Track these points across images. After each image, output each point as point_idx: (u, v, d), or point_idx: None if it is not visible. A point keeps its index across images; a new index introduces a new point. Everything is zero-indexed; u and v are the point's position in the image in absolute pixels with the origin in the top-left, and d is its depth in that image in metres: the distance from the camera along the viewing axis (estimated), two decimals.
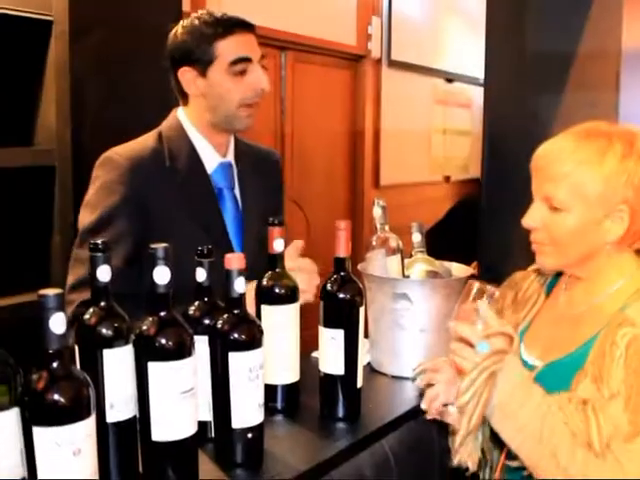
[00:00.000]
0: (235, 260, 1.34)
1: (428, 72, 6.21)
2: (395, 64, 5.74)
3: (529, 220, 1.59)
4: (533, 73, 2.45)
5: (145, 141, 1.99)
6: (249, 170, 2.11)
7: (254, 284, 1.61)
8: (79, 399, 1.08)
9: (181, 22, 1.98)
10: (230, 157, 2.07)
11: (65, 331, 1.07)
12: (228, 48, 1.91)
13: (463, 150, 6.73)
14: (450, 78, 6.58)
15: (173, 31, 1.98)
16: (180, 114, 2.04)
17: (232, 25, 1.92)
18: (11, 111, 2.55)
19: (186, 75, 1.96)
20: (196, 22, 1.93)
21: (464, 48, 6.60)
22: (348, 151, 5.41)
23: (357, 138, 5.45)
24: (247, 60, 1.93)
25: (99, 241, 1.23)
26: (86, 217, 1.88)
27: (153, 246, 1.23)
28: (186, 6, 3.75)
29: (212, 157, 2.02)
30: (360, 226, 5.16)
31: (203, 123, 2.00)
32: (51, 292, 1.07)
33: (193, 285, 1.43)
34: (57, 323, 1.06)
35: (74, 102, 2.56)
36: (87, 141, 2.59)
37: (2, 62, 2.56)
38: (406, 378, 1.88)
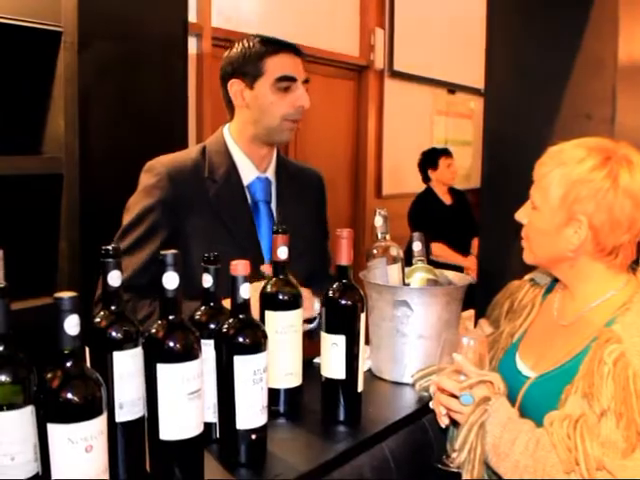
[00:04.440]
0: (240, 267, 1.39)
1: (430, 83, 6.28)
2: (397, 75, 5.80)
3: (517, 215, 1.72)
4: (531, 85, 2.50)
5: (189, 152, 2.13)
6: (288, 186, 2.19)
7: (258, 286, 1.66)
8: (92, 397, 1.13)
9: (237, 42, 2.11)
10: (270, 173, 2.17)
11: (79, 332, 1.12)
12: (276, 65, 2.04)
13: (465, 160, 6.78)
14: (452, 89, 6.64)
15: (229, 49, 2.12)
16: (225, 130, 2.15)
17: (282, 45, 2.07)
18: (20, 120, 2.60)
19: (234, 86, 2.08)
20: (249, 40, 2.08)
21: (466, 59, 6.65)
22: (350, 161, 5.46)
23: (359, 148, 5.51)
24: (292, 79, 2.05)
25: (110, 247, 1.29)
26: (124, 217, 2.03)
27: (163, 252, 1.28)
28: (192, 17, 3.81)
29: (250, 171, 2.12)
30: (361, 234, 5.21)
31: (245, 136, 2.11)
32: (66, 295, 1.12)
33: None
34: (71, 325, 1.11)
35: (82, 111, 2.61)
36: (94, 149, 2.63)
37: (12, 71, 2.61)
38: (406, 384, 1.92)
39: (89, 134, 2.64)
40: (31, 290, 2.43)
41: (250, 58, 2.05)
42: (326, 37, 5.07)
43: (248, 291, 1.40)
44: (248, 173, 2.12)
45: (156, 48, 3.06)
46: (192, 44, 3.85)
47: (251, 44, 2.07)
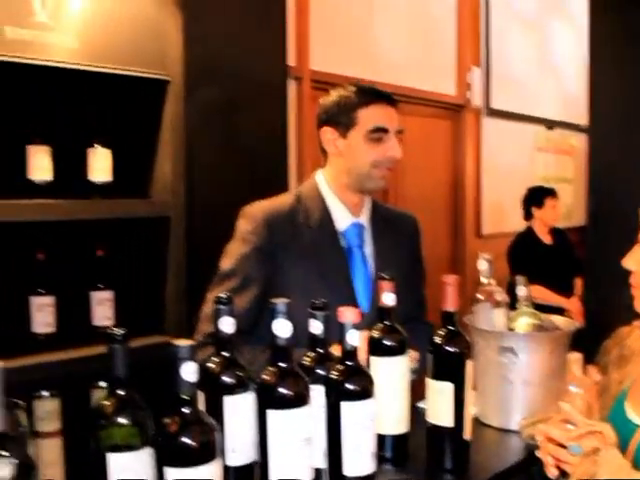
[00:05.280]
0: (349, 313, 1.41)
1: (528, 120, 6.21)
2: (495, 113, 5.77)
3: (627, 262, 1.64)
4: None
5: (284, 199, 2.17)
6: (383, 231, 2.21)
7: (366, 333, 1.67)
8: (207, 442, 1.16)
9: (333, 89, 2.15)
10: (364, 218, 2.18)
11: (196, 379, 1.15)
12: (369, 116, 2.07)
13: (566, 198, 6.65)
14: (551, 125, 6.55)
15: (325, 96, 2.16)
16: (318, 176, 2.19)
17: (375, 96, 2.09)
18: (130, 165, 2.71)
19: (327, 134, 2.12)
20: (344, 89, 2.11)
21: (564, 95, 6.57)
22: (449, 200, 5.44)
23: (458, 187, 5.49)
24: (384, 130, 2.07)
25: (223, 295, 1.32)
26: (222, 263, 2.08)
27: (274, 300, 1.31)
28: (292, 61, 3.90)
29: (344, 216, 2.14)
30: (462, 274, 5.14)
31: (339, 183, 2.14)
32: (183, 343, 1.15)
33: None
34: (188, 371, 1.15)
35: (188, 156, 2.71)
36: (200, 193, 2.72)
37: (122, 119, 2.73)
38: (513, 431, 1.89)
39: (195, 178, 2.73)
40: (139, 329, 2.51)
41: (344, 108, 2.08)
42: (422, 77, 5.09)
43: (357, 338, 1.41)
44: (342, 219, 2.15)
45: (257, 92, 3.14)
46: (292, 87, 3.93)
47: (345, 93, 2.10)
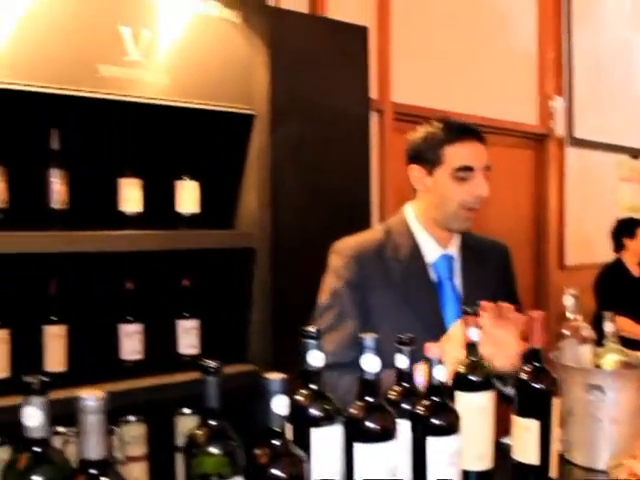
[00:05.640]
0: (435, 349, 1.42)
1: (612, 149, 6.10)
2: (578, 142, 5.69)
3: None
4: None
5: (373, 233, 2.22)
6: (472, 261, 2.21)
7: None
8: (297, 474, 1.18)
9: (420, 125, 2.17)
10: (453, 249, 2.19)
11: (286, 412, 1.18)
12: (455, 155, 2.07)
13: None
14: (636, 154, 6.42)
15: (412, 132, 2.18)
16: (407, 209, 2.21)
17: (461, 132, 2.09)
18: (216, 197, 2.78)
19: (414, 172, 2.14)
20: (430, 125, 2.12)
21: None
22: (531, 231, 5.38)
23: (540, 218, 5.42)
24: (470, 169, 2.07)
25: (312, 329, 1.35)
26: (320, 297, 2.13)
27: (362, 335, 1.33)
28: (374, 94, 3.94)
29: (433, 249, 2.16)
30: (545, 306, 5.07)
31: (427, 218, 2.16)
32: (275, 376, 1.18)
33: None
34: (279, 405, 1.17)
35: (273, 188, 2.76)
36: (284, 225, 2.77)
37: (209, 152, 2.81)
38: (600, 470, 1.85)
39: (279, 210, 2.78)
40: (223, 357, 2.55)
41: (430, 145, 2.09)
42: (504, 107, 5.07)
43: (443, 374, 1.42)
44: (431, 251, 2.15)
45: (340, 125, 3.19)
46: (374, 120, 3.97)
47: (432, 129, 2.10)
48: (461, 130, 2.09)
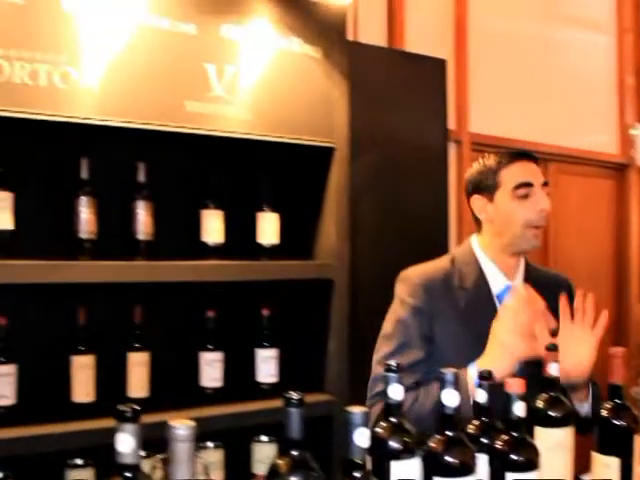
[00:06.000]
0: (515, 384, 1.43)
1: None
2: None
3: None
4: None
5: (439, 262, 2.23)
6: (538, 294, 2.18)
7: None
8: None
9: (476, 160, 2.24)
10: (518, 280, 2.19)
11: (368, 445, 1.20)
12: (511, 175, 2.12)
13: None
14: None
15: (468, 169, 2.25)
16: (473, 240, 2.24)
17: (514, 155, 2.15)
18: (296, 228, 2.84)
19: (477, 202, 2.18)
20: (483, 157, 2.19)
21: None
22: (612, 264, 5.26)
23: (622, 249, 5.30)
24: (528, 185, 2.11)
25: (393, 363, 1.38)
26: (384, 325, 2.17)
27: (443, 370, 1.35)
28: (451, 124, 3.96)
29: (499, 280, 2.17)
30: (626, 342, 4.95)
31: (493, 248, 2.18)
32: (357, 409, 1.21)
33: None
34: (361, 438, 1.20)
35: (352, 220, 2.80)
36: (363, 257, 2.80)
37: (289, 184, 2.87)
38: None
39: (357, 241, 2.82)
40: (300, 386, 2.59)
41: (487, 173, 2.14)
42: (583, 136, 5.02)
43: (522, 410, 1.43)
44: (497, 282, 2.17)
45: (419, 156, 3.22)
46: (452, 150, 3.98)
47: (486, 160, 2.17)
48: (514, 153, 2.16)
